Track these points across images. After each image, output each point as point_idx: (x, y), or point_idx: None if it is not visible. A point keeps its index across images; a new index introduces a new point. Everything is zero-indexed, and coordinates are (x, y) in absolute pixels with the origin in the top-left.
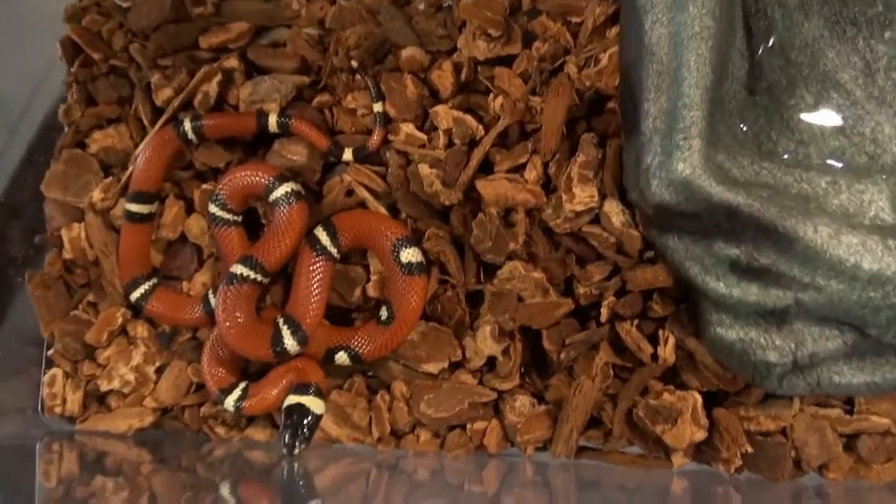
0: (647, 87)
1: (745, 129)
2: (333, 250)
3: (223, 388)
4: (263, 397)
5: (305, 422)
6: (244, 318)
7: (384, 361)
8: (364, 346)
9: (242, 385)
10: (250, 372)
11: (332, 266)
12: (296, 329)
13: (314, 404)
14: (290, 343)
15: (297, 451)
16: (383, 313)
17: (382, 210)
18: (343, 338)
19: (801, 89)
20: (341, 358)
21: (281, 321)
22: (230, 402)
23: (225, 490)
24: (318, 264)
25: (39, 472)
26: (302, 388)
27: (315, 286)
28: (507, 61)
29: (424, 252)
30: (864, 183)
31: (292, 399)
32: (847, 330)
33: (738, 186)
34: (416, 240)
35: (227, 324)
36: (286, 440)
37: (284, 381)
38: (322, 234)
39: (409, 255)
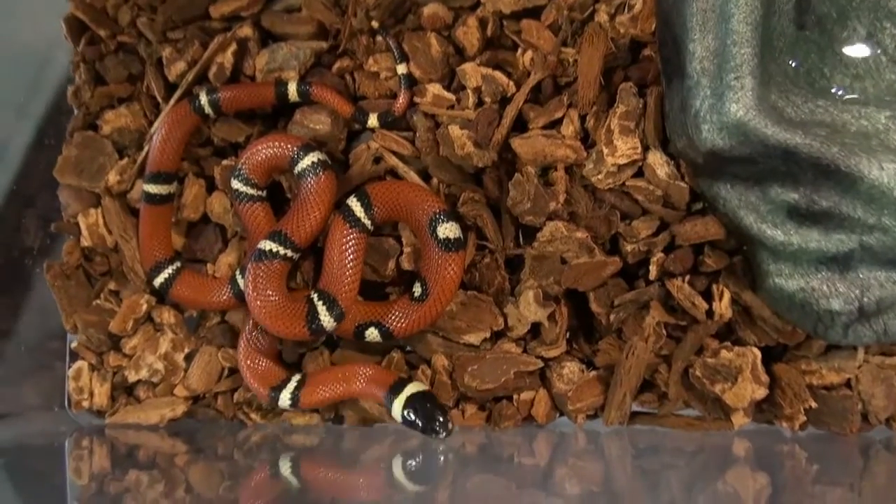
0: (691, 26)
1: (796, 66)
2: (367, 222)
3: (274, 385)
4: (323, 390)
5: (431, 403)
6: (276, 297)
7: (422, 335)
8: (396, 323)
9: (296, 378)
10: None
11: (365, 238)
12: (332, 305)
13: (420, 387)
14: (326, 320)
15: (449, 427)
16: (417, 290)
17: (414, 176)
18: (374, 313)
19: (853, 20)
20: (371, 334)
21: (315, 297)
22: (286, 399)
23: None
24: (351, 236)
25: (70, 470)
26: (398, 386)
27: (349, 259)
28: (535, 13)
29: (462, 224)
30: None
31: (403, 399)
32: None
33: (794, 126)
34: (454, 214)
35: (259, 303)
36: (438, 424)
37: (350, 384)
38: (356, 205)
39: (447, 230)
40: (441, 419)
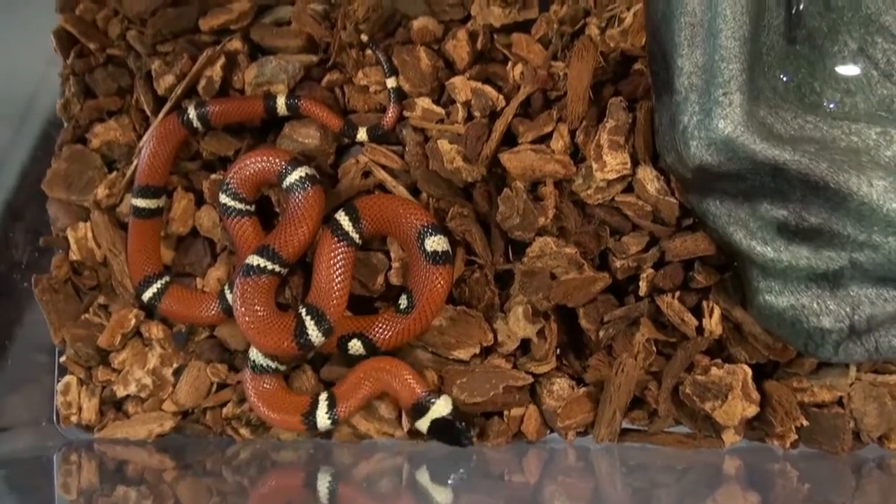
0: (679, 41)
1: (785, 81)
2: (356, 236)
3: (305, 412)
4: (356, 397)
5: (459, 422)
6: (264, 311)
7: (411, 350)
8: (380, 335)
9: (324, 397)
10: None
11: (354, 252)
12: (320, 319)
13: (446, 404)
14: (314, 334)
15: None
16: (402, 302)
17: (403, 191)
18: (357, 325)
19: (844, 35)
20: (355, 346)
21: (303, 311)
22: (324, 420)
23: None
24: (339, 250)
25: (58, 485)
26: (426, 400)
27: (337, 273)
28: (525, 27)
29: (450, 238)
30: None
31: (432, 416)
32: None
33: (783, 142)
34: (442, 228)
35: (247, 318)
36: (465, 439)
37: (374, 379)
38: (344, 219)
39: (435, 243)
40: (465, 435)
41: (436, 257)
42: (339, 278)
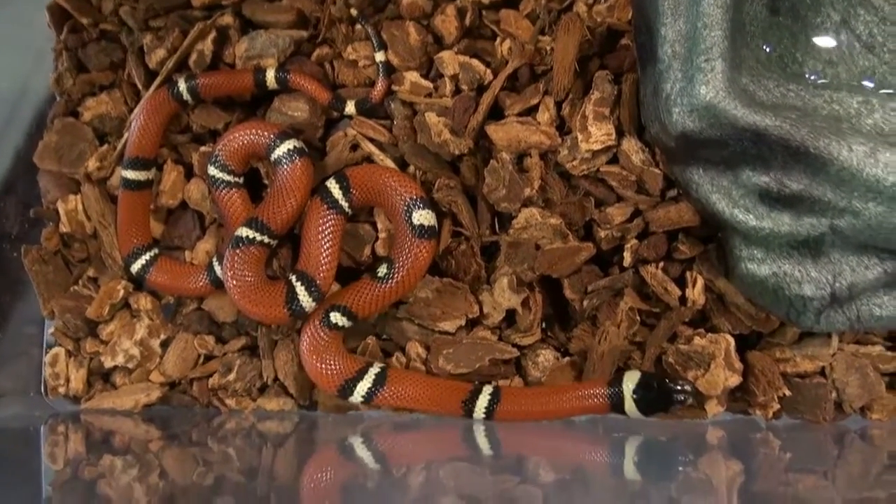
0: (662, 10)
1: (768, 51)
2: (345, 204)
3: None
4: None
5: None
6: (254, 280)
7: (397, 322)
8: (357, 302)
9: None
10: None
11: (343, 221)
12: (310, 285)
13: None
14: (305, 300)
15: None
16: (382, 270)
17: (390, 164)
18: (336, 298)
19: (827, 7)
20: (336, 318)
21: (293, 278)
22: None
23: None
24: (329, 218)
25: (45, 455)
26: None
27: (327, 240)
28: (513, 3)
29: (437, 210)
30: None
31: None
32: (888, 257)
33: (764, 108)
34: (430, 201)
35: (238, 287)
36: (679, 395)
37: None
38: (334, 187)
39: (423, 216)
40: (678, 391)
41: (422, 231)
42: (328, 245)
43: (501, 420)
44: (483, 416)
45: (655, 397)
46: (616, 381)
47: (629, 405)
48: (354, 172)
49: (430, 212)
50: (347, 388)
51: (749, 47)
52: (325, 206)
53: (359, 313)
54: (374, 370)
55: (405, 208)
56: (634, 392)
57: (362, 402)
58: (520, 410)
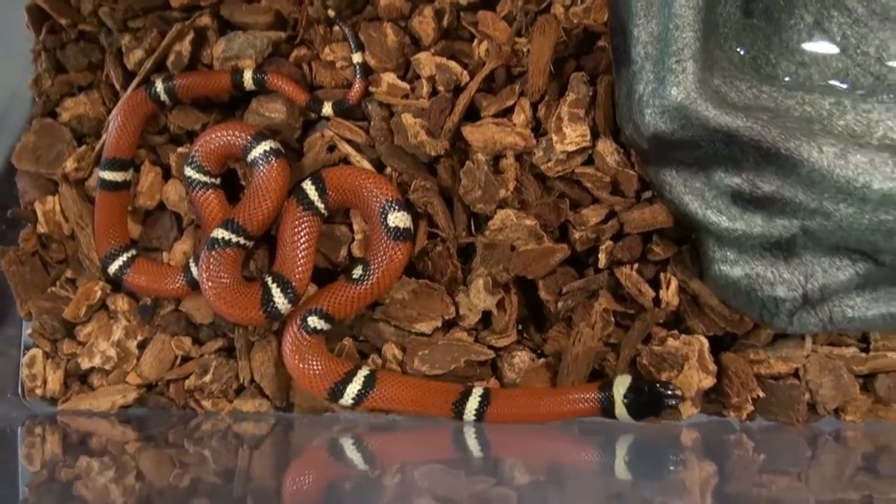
0: (635, 11)
1: (742, 53)
2: (321, 206)
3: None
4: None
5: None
6: (230, 282)
7: (374, 324)
8: (333, 304)
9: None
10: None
11: (319, 222)
12: (286, 287)
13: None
14: (281, 302)
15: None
16: (357, 272)
17: (367, 165)
18: (310, 301)
19: (800, 9)
20: (314, 322)
21: (269, 280)
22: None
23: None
24: (305, 219)
25: (22, 456)
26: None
27: (302, 242)
28: (491, 5)
29: (413, 211)
30: (870, 103)
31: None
32: (859, 259)
33: (736, 110)
34: (406, 203)
35: (213, 289)
36: (669, 398)
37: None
38: (310, 189)
39: (398, 219)
40: (668, 395)
41: (397, 233)
42: (303, 247)
43: (492, 422)
44: (473, 418)
45: (646, 401)
46: (607, 385)
47: (619, 409)
48: (330, 174)
49: (405, 214)
50: (337, 391)
51: (722, 49)
52: (301, 207)
53: (335, 315)
54: (364, 372)
55: (381, 210)
56: (625, 396)
57: (353, 405)
58: (510, 413)
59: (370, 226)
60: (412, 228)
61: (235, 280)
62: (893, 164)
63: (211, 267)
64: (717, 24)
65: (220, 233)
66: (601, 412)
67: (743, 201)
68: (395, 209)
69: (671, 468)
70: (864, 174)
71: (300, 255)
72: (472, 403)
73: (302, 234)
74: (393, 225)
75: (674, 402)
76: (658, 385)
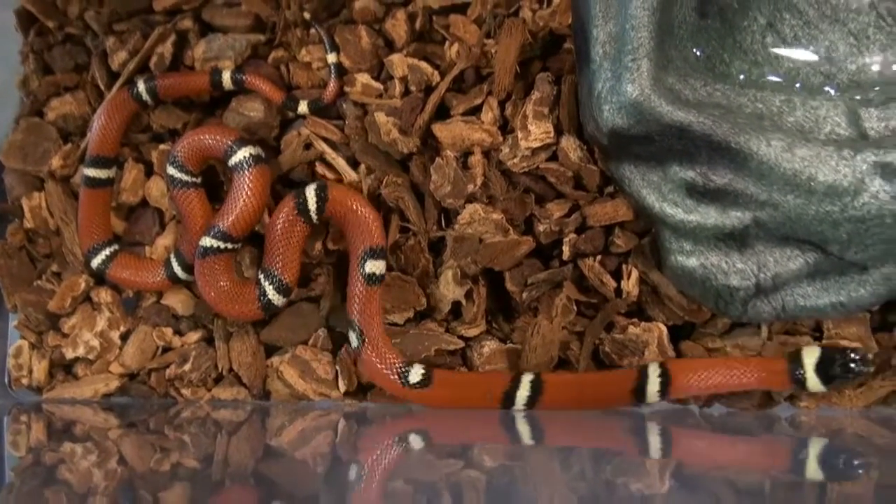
0: (595, 13)
1: (698, 53)
2: (315, 216)
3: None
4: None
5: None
6: (227, 285)
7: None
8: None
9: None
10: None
11: (308, 230)
12: (276, 281)
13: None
14: (273, 296)
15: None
16: (353, 340)
17: (342, 162)
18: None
19: (754, 11)
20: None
21: (261, 276)
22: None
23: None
24: (297, 223)
25: (8, 443)
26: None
27: (291, 243)
28: (462, 9)
29: (384, 206)
30: (818, 100)
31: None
32: (808, 249)
33: (689, 106)
34: (385, 253)
35: (213, 294)
36: (858, 364)
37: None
38: (311, 198)
39: (375, 266)
40: (854, 360)
41: (371, 279)
42: (292, 247)
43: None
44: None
45: (839, 370)
46: (795, 356)
47: (812, 381)
48: (336, 192)
49: (382, 262)
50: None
51: (678, 49)
52: (296, 210)
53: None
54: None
55: (362, 253)
56: (817, 367)
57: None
58: (696, 386)
59: (350, 262)
60: (383, 274)
61: (231, 281)
62: (838, 156)
63: (205, 274)
64: (672, 26)
65: (207, 241)
66: (792, 384)
67: (697, 194)
68: (375, 256)
69: (632, 452)
70: (809, 167)
71: (289, 254)
72: (654, 376)
73: (291, 236)
74: (369, 271)
75: (865, 369)
76: (849, 352)
